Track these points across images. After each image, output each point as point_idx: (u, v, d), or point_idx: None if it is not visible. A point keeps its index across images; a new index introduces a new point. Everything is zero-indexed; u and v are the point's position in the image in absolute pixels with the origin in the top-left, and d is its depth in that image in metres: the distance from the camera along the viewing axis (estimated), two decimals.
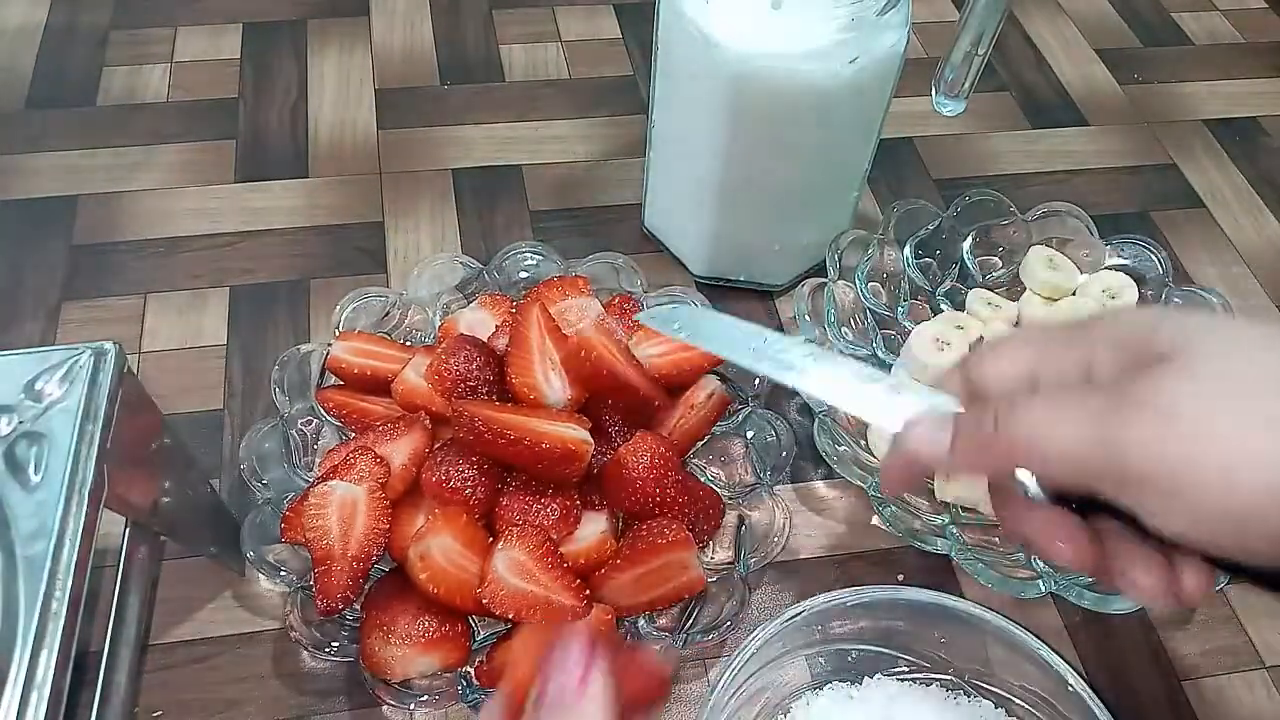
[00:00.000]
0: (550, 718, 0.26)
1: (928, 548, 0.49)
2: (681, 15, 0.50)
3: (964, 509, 0.52)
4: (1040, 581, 0.47)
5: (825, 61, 0.48)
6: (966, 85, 0.55)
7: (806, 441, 0.54)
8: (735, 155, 0.53)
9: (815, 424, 0.52)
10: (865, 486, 0.50)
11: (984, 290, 0.59)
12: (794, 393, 0.54)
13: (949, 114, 0.57)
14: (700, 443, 0.52)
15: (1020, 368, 0.32)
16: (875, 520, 0.52)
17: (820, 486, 0.54)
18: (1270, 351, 0.28)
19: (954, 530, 0.50)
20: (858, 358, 0.55)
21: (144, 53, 0.73)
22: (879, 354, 0.56)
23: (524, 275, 0.57)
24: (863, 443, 0.53)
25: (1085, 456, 0.29)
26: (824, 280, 0.56)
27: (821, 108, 0.51)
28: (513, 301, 0.55)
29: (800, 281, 0.58)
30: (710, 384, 0.52)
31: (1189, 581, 0.30)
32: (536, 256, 0.57)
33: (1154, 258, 0.59)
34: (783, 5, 0.48)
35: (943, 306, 0.59)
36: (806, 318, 0.55)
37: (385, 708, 0.46)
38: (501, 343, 0.50)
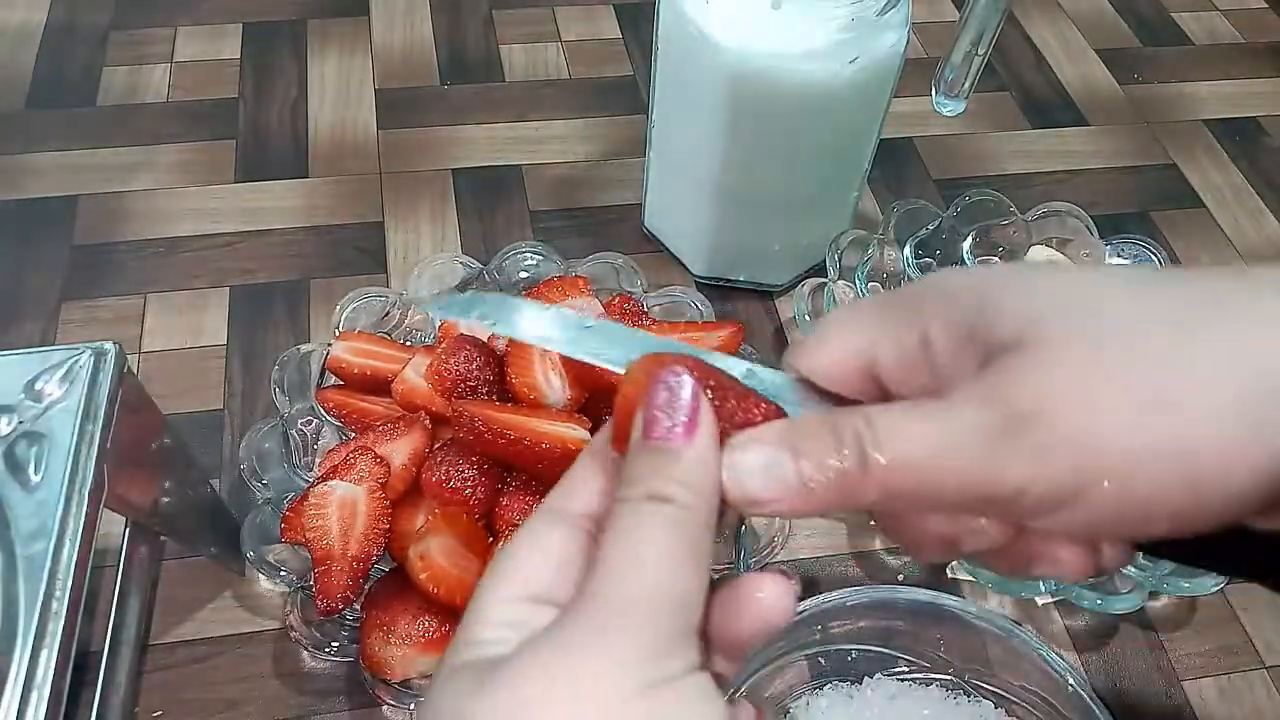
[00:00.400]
0: (654, 457, 0.24)
1: None
2: (681, 15, 0.50)
3: None
4: (1041, 582, 0.47)
5: (825, 61, 0.48)
6: (966, 85, 0.55)
7: None
8: (735, 155, 0.53)
9: None
10: None
11: None
12: None
13: (949, 114, 0.57)
14: None
15: (852, 347, 0.27)
16: (874, 521, 0.52)
17: None
18: (1130, 303, 0.24)
19: None
20: None
21: (144, 53, 0.73)
22: None
23: (524, 275, 0.57)
24: None
25: (979, 488, 0.24)
26: (824, 280, 0.56)
27: (821, 108, 0.51)
28: None
29: (800, 281, 0.58)
30: None
31: (1107, 553, 0.27)
32: (536, 256, 0.57)
33: (1154, 258, 0.59)
34: (782, 5, 0.48)
35: None
36: (806, 317, 0.55)
37: (385, 708, 0.46)
38: (501, 343, 0.50)
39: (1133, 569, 0.48)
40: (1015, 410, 0.24)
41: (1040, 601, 0.50)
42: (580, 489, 0.26)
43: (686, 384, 0.24)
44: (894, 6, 0.49)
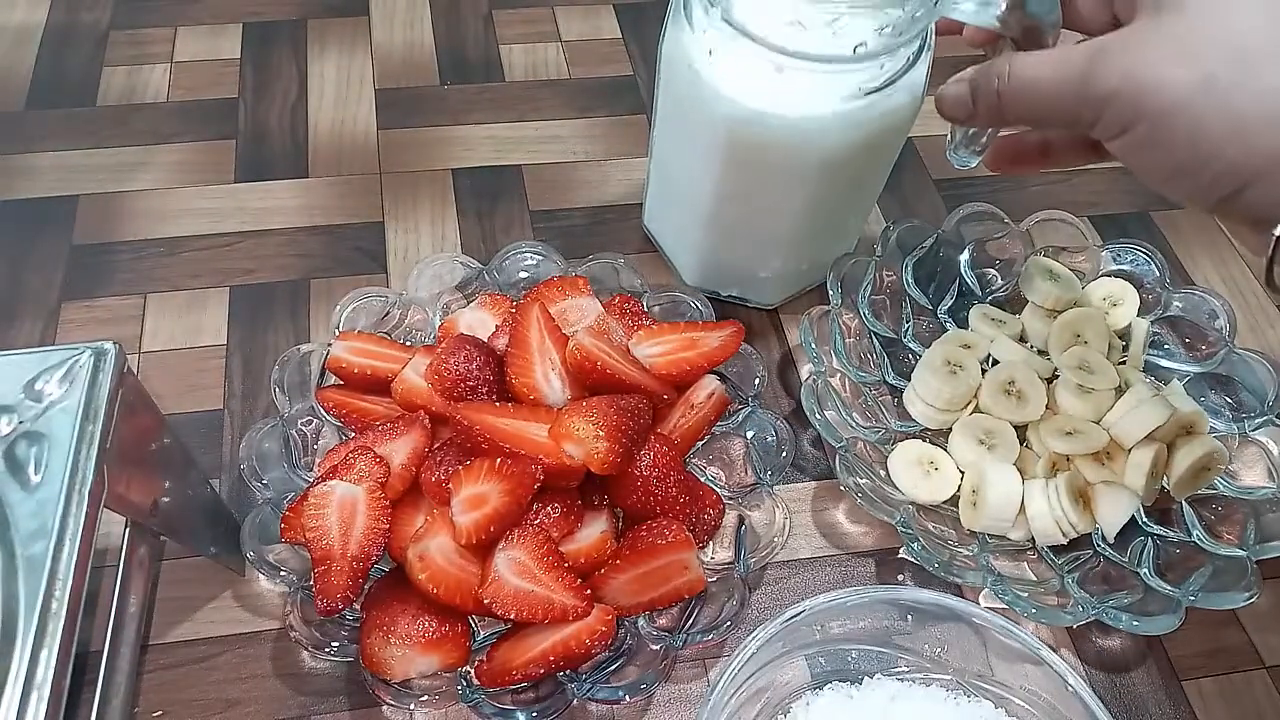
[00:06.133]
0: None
1: (960, 581, 0.48)
2: (684, 52, 0.47)
3: (992, 536, 0.51)
4: (1074, 608, 0.47)
5: (829, 125, 0.46)
6: (984, 140, 0.50)
7: (807, 441, 0.54)
8: (730, 195, 0.52)
9: (836, 460, 0.51)
10: (893, 522, 0.49)
11: (985, 306, 0.58)
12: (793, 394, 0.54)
13: (965, 167, 0.53)
14: (700, 443, 0.52)
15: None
16: (904, 553, 0.51)
17: (821, 486, 0.54)
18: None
19: (986, 559, 0.49)
20: (866, 384, 0.54)
21: (144, 52, 0.73)
22: (888, 379, 0.55)
23: (524, 275, 0.57)
24: (883, 473, 0.51)
25: (1063, 81, 0.36)
26: (828, 307, 0.54)
27: (824, 166, 0.48)
28: (513, 301, 0.55)
29: (792, 300, 0.57)
30: (710, 384, 0.51)
31: None
32: (536, 256, 0.57)
33: (1151, 262, 0.59)
34: (785, 70, 0.44)
35: (946, 325, 0.58)
36: (812, 345, 0.54)
37: (385, 708, 0.46)
38: (501, 343, 0.50)
39: (1167, 586, 0.47)
40: (1119, 35, 0.36)
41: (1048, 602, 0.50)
42: None
43: None
44: (904, 74, 0.46)
